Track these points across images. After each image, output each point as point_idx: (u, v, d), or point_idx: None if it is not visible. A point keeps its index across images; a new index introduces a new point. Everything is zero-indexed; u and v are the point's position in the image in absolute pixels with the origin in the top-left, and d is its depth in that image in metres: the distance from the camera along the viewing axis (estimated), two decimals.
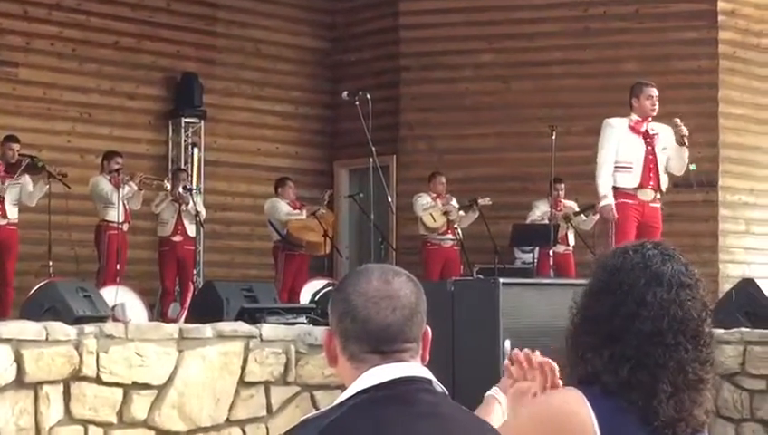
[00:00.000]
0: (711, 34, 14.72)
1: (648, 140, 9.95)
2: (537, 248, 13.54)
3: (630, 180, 9.89)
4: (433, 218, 13.82)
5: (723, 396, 8.41)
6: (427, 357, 2.41)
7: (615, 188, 9.87)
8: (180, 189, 13.31)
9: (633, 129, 9.95)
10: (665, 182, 10.04)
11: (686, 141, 9.91)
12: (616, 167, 9.88)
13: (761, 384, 8.49)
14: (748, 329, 8.79)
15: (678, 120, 9.92)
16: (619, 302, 2.50)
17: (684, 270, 2.53)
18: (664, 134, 10.01)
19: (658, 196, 9.99)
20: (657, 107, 9.89)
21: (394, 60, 15.77)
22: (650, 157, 9.90)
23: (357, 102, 10.30)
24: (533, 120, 14.49)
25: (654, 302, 2.48)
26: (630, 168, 9.88)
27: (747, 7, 15.07)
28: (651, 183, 9.90)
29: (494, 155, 15.11)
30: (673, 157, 10.02)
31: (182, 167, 14.73)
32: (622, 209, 9.79)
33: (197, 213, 13.33)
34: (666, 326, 2.47)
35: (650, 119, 9.96)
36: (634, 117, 9.95)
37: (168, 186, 13.26)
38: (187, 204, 13.24)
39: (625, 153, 9.88)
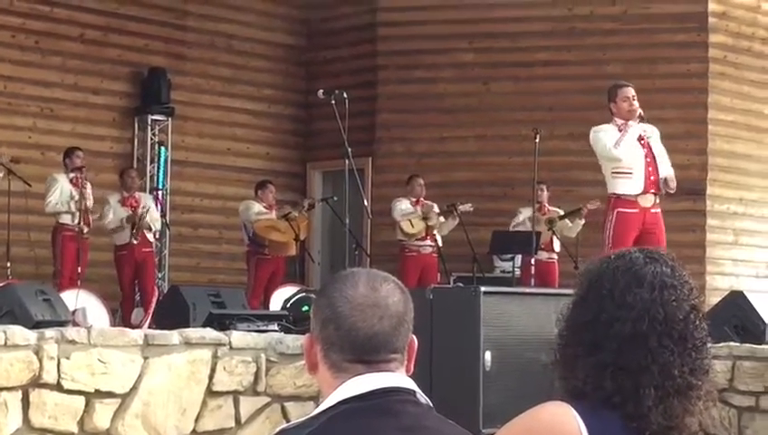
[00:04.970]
0: (701, 37, 14.54)
1: (643, 142, 9.59)
2: (519, 256, 13.10)
3: (632, 187, 9.50)
4: (411, 224, 13.56)
5: (709, 413, 7.99)
6: (412, 368, 2.35)
7: (616, 196, 9.51)
8: (140, 209, 12.78)
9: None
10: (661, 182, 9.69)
11: None
12: (615, 173, 9.53)
13: (750, 401, 8.31)
14: (737, 343, 8.62)
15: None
16: (600, 307, 2.42)
17: (669, 272, 2.44)
18: (654, 133, 9.71)
19: (658, 200, 9.60)
20: (636, 107, 9.46)
21: (371, 58, 15.53)
22: (648, 160, 9.55)
23: (333, 102, 9.95)
24: (514, 124, 14.37)
25: (634, 303, 2.40)
26: (631, 174, 9.50)
27: (739, 9, 14.89)
28: (653, 188, 9.53)
29: (473, 159, 14.90)
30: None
31: (133, 166, 14.38)
32: (623, 221, 9.44)
33: (149, 228, 12.93)
34: (647, 328, 2.38)
35: (638, 120, 9.55)
36: (619, 121, 9.54)
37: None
38: (140, 228, 12.69)
39: (624, 159, 9.49)
